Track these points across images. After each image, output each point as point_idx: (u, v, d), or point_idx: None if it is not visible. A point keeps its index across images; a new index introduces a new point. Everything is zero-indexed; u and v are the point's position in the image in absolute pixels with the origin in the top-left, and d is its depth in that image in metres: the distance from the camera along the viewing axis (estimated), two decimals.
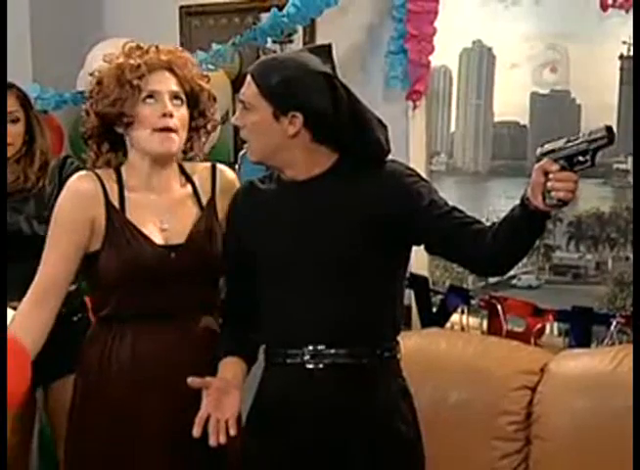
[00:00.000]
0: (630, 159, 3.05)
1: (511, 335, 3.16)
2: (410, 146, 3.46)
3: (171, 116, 2.30)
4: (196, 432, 2.12)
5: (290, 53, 2.69)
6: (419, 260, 3.23)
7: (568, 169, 1.93)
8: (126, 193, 2.35)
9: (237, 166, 3.34)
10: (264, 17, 3.59)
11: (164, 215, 2.35)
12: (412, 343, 2.89)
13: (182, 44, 3.71)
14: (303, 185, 2.21)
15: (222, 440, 2.13)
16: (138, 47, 2.36)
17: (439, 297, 3.39)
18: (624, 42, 3.03)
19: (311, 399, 2.17)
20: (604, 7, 3.00)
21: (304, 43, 3.57)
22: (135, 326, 2.33)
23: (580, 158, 1.93)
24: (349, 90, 2.19)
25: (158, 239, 2.33)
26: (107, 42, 3.59)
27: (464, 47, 3.44)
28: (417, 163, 3.29)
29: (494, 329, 3.22)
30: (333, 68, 2.20)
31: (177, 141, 2.32)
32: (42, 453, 3.54)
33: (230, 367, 2.26)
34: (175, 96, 2.33)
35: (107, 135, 2.37)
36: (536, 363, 2.95)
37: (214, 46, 3.52)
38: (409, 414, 2.26)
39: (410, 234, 2.19)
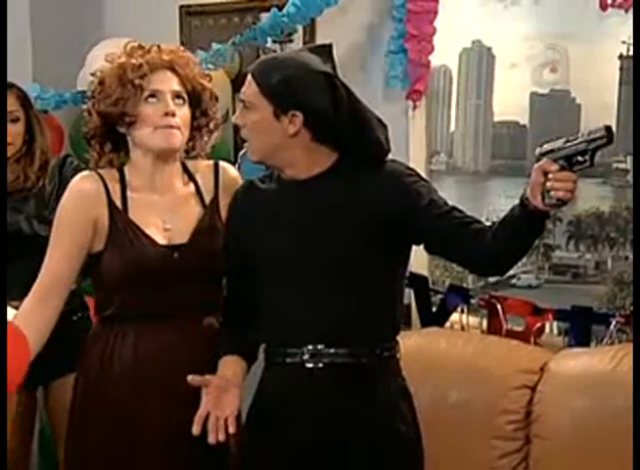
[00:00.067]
0: (630, 158, 3.06)
1: (511, 334, 3.17)
2: (410, 145, 3.46)
3: (173, 114, 2.30)
4: (195, 430, 2.13)
5: (290, 52, 2.70)
6: (419, 260, 3.23)
7: (567, 169, 1.94)
8: (129, 193, 2.35)
9: (237, 166, 3.34)
10: (264, 16, 3.60)
11: (167, 215, 2.35)
12: (412, 342, 2.89)
13: (182, 44, 3.71)
14: (303, 185, 2.21)
15: (221, 437, 2.13)
16: (140, 47, 2.36)
17: (439, 296, 3.39)
18: (624, 42, 3.03)
19: (311, 398, 2.18)
20: (603, 7, 3.00)
21: (304, 43, 3.57)
22: (138, 326, 2.33)
23: (579, 158, 1.93)
24: (350, 90, 2.19)
25: (160, 239, 2.33)
26: (107, 42, 3.59)
27: (464, 47, 3.44)
28: (417, 162, 3.30)
29: (494, 328, 3.23)
30: (333, 67, 2.20)
31: (180, 137, 2.32)
32: (42, 453, 3.54)
33: (230, 365, 2.26)
34: (177, 95, 2.33)
35: (109, 135, 2.37)
36: (536, 363, 2.95)
37: (214, 46, 3.52)
38: (409, 414, 2.26)
39: (410, 234, 2.19)
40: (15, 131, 2.98)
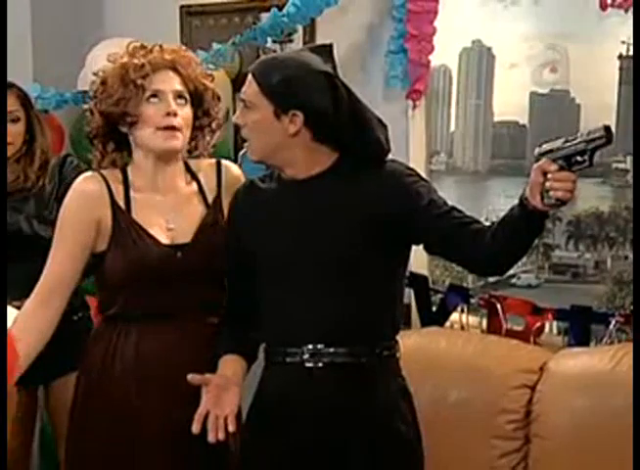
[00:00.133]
0: (629, 158, 3.06)
1: (510, 334, 3.17)
2: (410, 145, 3.46)
3: (175, 115, 2.30)
4: (195, 428, 2.13)
5: (291, 52, 2.70)
6: (419, 259, 3.23)
7: (566, 169, 1.94)
8: (132, 193, 2.36)
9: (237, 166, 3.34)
10: (264, 16, 3.60)
11: (170, 215, 2.36)
12: (412, 342, 2.89)
13: (183, 44, 3.71)
14: (303, 184, 2.21)
15: (221, 436, 2.13)
16: (142, 46, 2.36)
17: (439, 296, 3.39)
18: (624, 42, 3.03)
19: (311, 398, 2.18)
20: (603, 7, 3.00)
21: (304, 43, 3.57)
22: (141, 325, 2.33)
23: (579, 157, 1.93)
24: (350, 90, 2.19)
25: (164, 239, 2.33)
26: (107, 42, 3.60)
27: (463, 47, 3.44)
28: (417, 162, 3.30)
29: (494, 328, 3.23)
30: (334, 67, 2.21)
31: (181, 138, 2.32)
32: (43, 452, 3.54)
33: (230, 364, 2.26)
34: (179, 95, 2.33)
35: (112, 135, 2.38)
36: (536, 362, 2.95)
37: (215, 46, 3.52)
38: (409, 414, 2.26)
39: (410, 234, 2.19)
40: (15, 131, 2.98)
